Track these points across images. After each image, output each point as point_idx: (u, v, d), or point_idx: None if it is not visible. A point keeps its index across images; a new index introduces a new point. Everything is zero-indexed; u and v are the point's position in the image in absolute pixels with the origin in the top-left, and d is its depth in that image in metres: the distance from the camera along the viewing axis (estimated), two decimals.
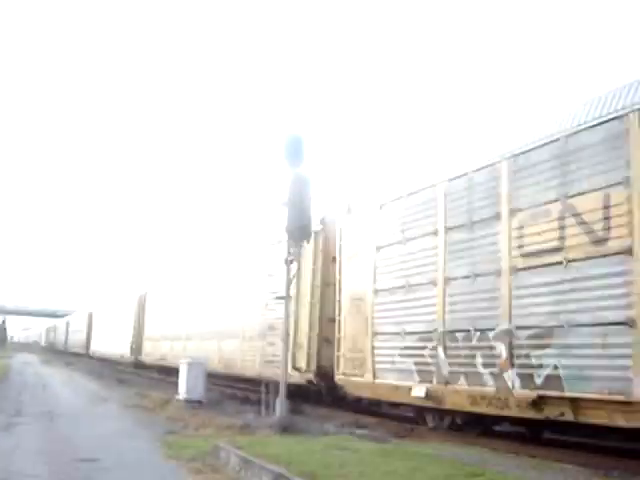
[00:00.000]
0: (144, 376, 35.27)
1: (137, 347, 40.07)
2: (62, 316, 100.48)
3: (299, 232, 13.80)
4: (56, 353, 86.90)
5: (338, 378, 16.18)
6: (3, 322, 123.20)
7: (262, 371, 19.72)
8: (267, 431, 13.02)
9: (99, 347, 56.23)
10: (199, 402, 19.09)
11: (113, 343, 48.15)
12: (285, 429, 12.91)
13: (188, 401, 19.07)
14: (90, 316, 63.57)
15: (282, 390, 13.51)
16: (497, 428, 13.25)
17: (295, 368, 17.64)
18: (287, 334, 14.17)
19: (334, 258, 17.31)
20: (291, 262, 14.09)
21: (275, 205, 14.76)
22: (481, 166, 12.29)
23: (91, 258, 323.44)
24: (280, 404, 13.30)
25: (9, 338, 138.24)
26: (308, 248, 16.95)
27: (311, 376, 17.44)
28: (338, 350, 16.23)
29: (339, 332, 16.33)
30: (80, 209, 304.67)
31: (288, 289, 14.11)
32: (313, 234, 16.45)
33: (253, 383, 20.96)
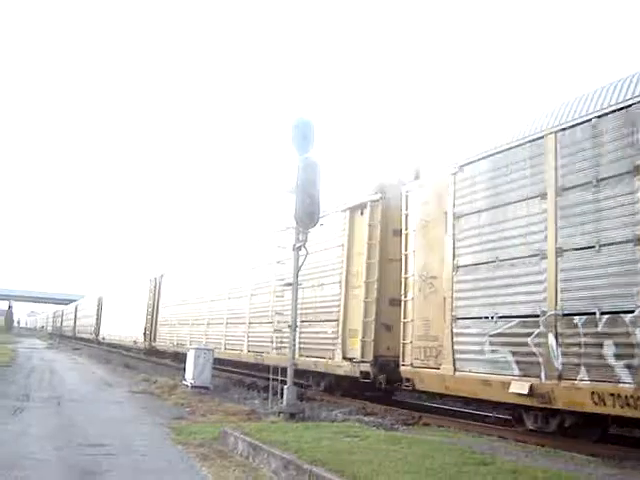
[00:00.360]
0: (156, 362, 34.16)
1: (151, 333, 37.91)
2: (68, 302, 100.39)
3: (308, 218, 13.68)
4: (64, 339, 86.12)
5: (404, 370, 14.02)
6: (10, 308, 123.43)
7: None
8: (274, 418, 13.00)
9: (110, 333, 54.00)
10: (206, 388, 19.12)
11: (125, 328, 45.92)
12: (292, 416, 12.87)
13: (195, 387, 19.10)
14: (100, 301, 61.42)
15: (290, 376, 13.44)
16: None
17: (346, 358, 16.01)
18: (295, 321, 14.00)
19: (395, 231, 15.37)
20: (299, 249, 13.95)
21: (284, 191, 14.56)
22: (614, 108, 9.99)
23: (99, 244, 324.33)
24: (288, 391, 13.24)
25: (15, 323, 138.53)
26: (361, 221, 16.19)
27: (367, 367, 15.28)
28: (404, 337, 14.12)
29: (405, 316, 14.21)
30: (89, 194, 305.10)
31: (296, 276, 13.97)
32: (369, 205, 15.99)
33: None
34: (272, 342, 20.15)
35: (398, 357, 14.39)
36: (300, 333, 16.59)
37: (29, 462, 8.75)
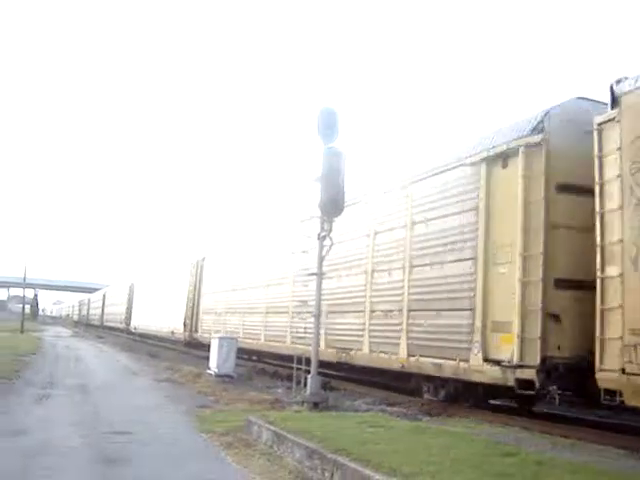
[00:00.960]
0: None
1: (192, 322, 33.44)
2: (93, 290, 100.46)
3: (333, 207, 13.63)
4: (90, 327, 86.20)
5: (606, 378, 9.91)
6: (35, 296, 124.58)
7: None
8: (298, 407, 13.01)
9: (143, 322, 49.11)
10: (230, 377, 19.22)
11: (161, 318, 40.95)
12: (316, 405, 12.88)
13: (219, 376, 19.19)
14: (132, 288, 56.95)
15: (313, 366, 13.44)
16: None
17: (490, 360, 12.11)
18: (319, 311, 13.96)
19: (562, 186, 11.68)
20: (324, 238, 13.91)
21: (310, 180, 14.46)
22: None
23: (126, 232, 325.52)
24: (312, 380, 13.24)
25: (40, 311, 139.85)
26: (508, 173, 12.35)
27: (531, 374, 11.17)
28: (603, 331, 10.01)
29: (606, 300, 10.06)
30: (115, 180, 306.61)
31: (320, 266, 13.92)
32: (521, 151, 11.99)
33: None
34: (362, 335, 16.49)
35: (572, 359, 11.20)
36: (409, 325, 14.47)
37: (55, 450, 8.84)
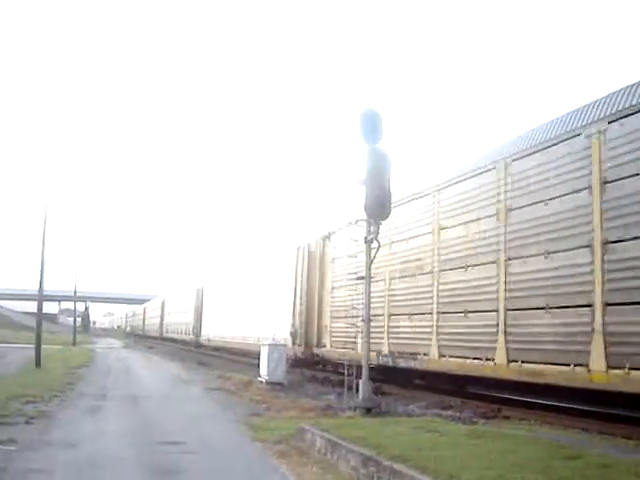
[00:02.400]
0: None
1: (311, 333, 23.83)
2: (142, 302, 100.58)
3: (379, 209, 13.46)
4: (144, 339, 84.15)
5: None
6: (86, 309, 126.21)
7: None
8: (351, 413, 12.84)
9: (220, 333, 39.38)
10: (280, 384, 19.12)
11: (250, 327, 30.89)
12: (369, 411, 12.71)
13: (269, 383, 19.13)
14: (200, 293, 48.19)
15: (365, 371, 13.27)
16: None
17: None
18: (369, 316, 13.78)
19: None
20: (371, 241, 13.75)
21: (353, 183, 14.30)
22: None
23: (174, 243, 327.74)
24: (363, 386, 13.06)
25: (92, 324, 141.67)
26: None
27: None
28: None
29: None
30: (160, 193, 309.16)
31: (369, 270, 13.77)
32: None
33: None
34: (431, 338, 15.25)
35: None
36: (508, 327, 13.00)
37: (108, 461, 8.79)
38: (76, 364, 27.49)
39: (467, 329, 14.38)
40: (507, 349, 13.02)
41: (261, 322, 29.30)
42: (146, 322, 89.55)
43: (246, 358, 31.59)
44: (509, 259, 13.40)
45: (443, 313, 15.24)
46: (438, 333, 15.27)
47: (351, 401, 13.71)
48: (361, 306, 14.62)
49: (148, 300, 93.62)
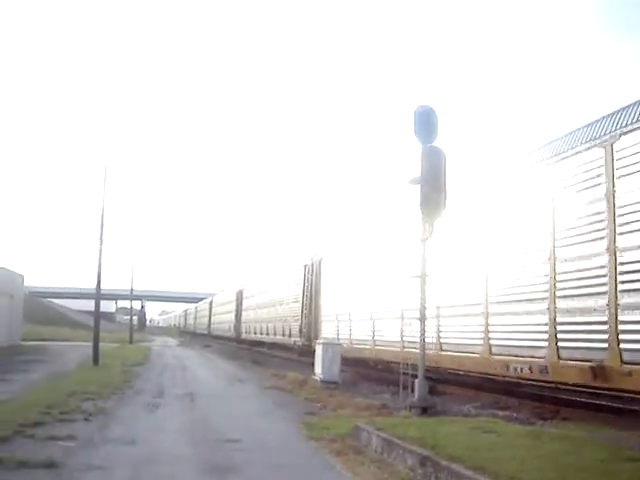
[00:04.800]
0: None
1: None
2: (197, 300, 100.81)
3: (434, 208, 13.35)
4: (196, 337, 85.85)
5: None
6: (142, 307, 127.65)
7: None
8: (406, 412, 12.77)
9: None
10: (335, 383, 19.12)
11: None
12: (424, 410, 12.62)
13: (324, 382, 19.13)
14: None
15: (421, 370, 13.18)
16: None
17: None
18: (424, 314, 13.67)
19: None
20: (426, 240, 13.65)
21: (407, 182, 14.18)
22: None
23: (228, 241, 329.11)
24: (419, 385, 12.98)
25: (148, 322, 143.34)
26: None
27: None
28: None
29: None
30: (213, 194, 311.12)
31: (424, 268, 13.67)
32: None
33: None
34: None
35: None
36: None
37: (165, 458, 8.90)
38: (133, 362, 27.92)
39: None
40: None
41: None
42: (197, 321, 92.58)
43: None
44: None
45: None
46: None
47: (406, 400, 13.63)
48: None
49: (202, 299, 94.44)
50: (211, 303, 74.79)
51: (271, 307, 39.05)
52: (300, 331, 30.57)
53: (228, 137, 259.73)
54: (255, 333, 44.24)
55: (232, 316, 54.44)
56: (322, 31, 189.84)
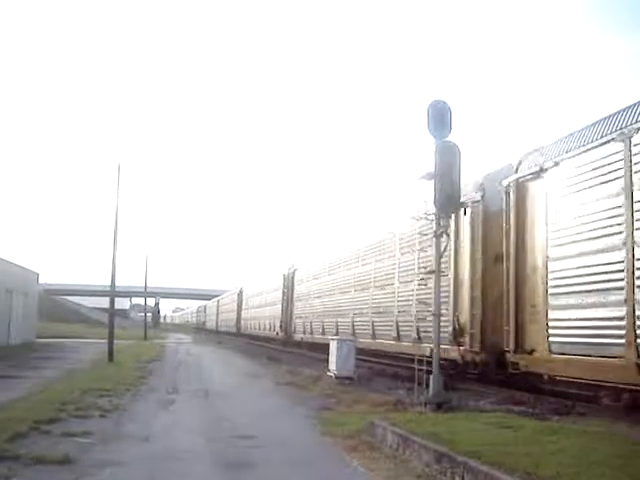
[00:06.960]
0: (295, 353, 35.01)
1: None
2: (211, 297, 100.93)
3: (448, 203, 13.30)
4: (207, 333, 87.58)
5: None
6: (156, 304, 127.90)
7: None
8: (421, 408, 12.71)
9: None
10: (350, 379, 19.08)
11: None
12: (440, 406, 12.54)
13: (339, 378, 19.10)
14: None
15: (435, 366, 13.11)
16: None
17: None
18: (439, 310, 13.62)
19: None
20: (440, 235, 13.60)
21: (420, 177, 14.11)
22: None
23: (241, 239, 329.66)
24: (434, 380, 12.91)
25: (162, 319, 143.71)
26: None
27: None
28: None
29: None
30: (226, 193, 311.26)
31: (438, 264, 13.61)
32: None
33: None
34: None
35: None
36: None
37: (180, 454, 8.90)
38: (147, 358, 28.02)
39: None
40: None
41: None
42: (207, 318, 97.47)
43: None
44: None
45: None
46: None
47: (421, 396, 13.55)
48: None
49: (215, 296, 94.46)
50: (218, 302, 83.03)
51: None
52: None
53: (235, 143, 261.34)
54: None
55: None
56: (325, 31, 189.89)
